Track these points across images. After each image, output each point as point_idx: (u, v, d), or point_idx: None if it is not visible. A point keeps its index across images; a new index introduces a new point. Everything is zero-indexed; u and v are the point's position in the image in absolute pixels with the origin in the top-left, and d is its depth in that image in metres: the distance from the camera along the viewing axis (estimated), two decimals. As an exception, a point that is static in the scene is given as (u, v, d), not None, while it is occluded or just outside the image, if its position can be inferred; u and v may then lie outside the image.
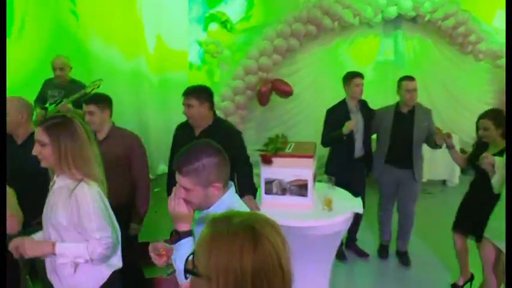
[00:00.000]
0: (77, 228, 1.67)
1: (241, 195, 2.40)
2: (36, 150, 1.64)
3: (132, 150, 2.70)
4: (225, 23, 4.79)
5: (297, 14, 4.71)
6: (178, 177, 1.37)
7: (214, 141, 1.45)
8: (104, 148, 2.70)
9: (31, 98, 4.19)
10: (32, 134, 2.34)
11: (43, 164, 1.68)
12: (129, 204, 2.71)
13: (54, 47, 4.73)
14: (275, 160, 2.29)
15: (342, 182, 2.94)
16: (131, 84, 4.98)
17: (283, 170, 2.29)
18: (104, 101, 2.69)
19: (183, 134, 2.72)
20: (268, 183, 2.32)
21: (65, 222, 1.65)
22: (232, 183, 1.48)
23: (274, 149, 2.32)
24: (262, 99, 4.81)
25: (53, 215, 1.67)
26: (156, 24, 4.92)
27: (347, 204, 2.41)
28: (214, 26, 4.76)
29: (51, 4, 4.73)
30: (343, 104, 3.35)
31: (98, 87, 3.75)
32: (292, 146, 2.48)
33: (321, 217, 2.26)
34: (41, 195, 1.77)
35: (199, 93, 2.56)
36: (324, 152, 3.53)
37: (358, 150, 3.35)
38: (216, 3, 4.86)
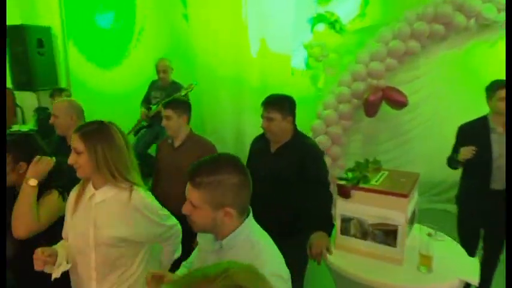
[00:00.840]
0: (141, 238, 1.58)
1: (310, 229, 1.98)
2: (71, 159, 1.51)
3: None
4: (333, 24, 4.31)
5: (421, 11, 3.95)
6: (188, 188, 1.19)
7: (240, 160, 1.23)
8: (178, 155, 2.58)
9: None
10: None
11: (79, 174, 1.54)
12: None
13: (169, 49, 4.94)
14: (355, 194, 1.79)
15: (472, 219, 2.43)
16: (232, 88, 4.89)
17: (364, 207, 1.77)
18: (181, 106, 2.58)
19: (259, 148, 2.41)
20: (345, 221, 1.83)
21: (127, 234, 1.53)
22: (251, 209, 1.27)
23: (357, 179, 1.82)
24: (370, 109, 4.19)
25: (103, 232, 1.53)
26: (260, 27, 4.73)
27: (455, 267, 1.75)
28: (321, 27, 4.33)
29: (167, 8, 4.95)
30: (483, 120, 2.61)
31: (192, 90, 3.75)
32: (383, 176, 1.93)
33: (413, 279, 1.67)
34: None
35: (282, 105, 2.22)
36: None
37: (503, 181, 2.56)
38: (326, 1, 4.41)
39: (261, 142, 2.40)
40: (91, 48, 5.37)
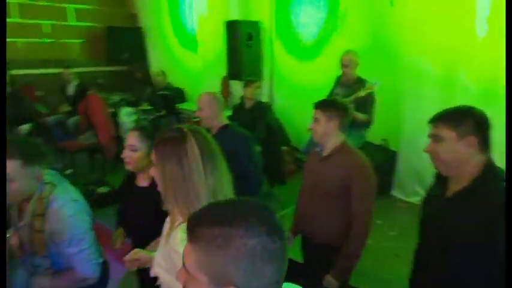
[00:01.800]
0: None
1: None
2: (152, 171, 1.30)
3: (351, 179, 2.01)
4: None
5: None
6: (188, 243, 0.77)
7: (273, 212, 0.76)
8: (322, 167, 2.19)
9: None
10: (224, 126, 2.59)
11: (160, 189, 1.31)
12: (341, 248, 2.07)
13: (372, 39, 4.42)
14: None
15: None
16: (442, 91, 3.91)
17: None
18: (333, 108, 2.12)
19: (434, 189, 1.66)
20: None
21: (165, 276, 1.30)
22: None
23: None
24: None
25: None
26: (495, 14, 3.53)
27: None
28: None
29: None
30: None
31: (373, 90, 3.15)
32: None
33: None
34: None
35: (461, 120, 1.44)
36: None
37: None
38: None
39: (439, 179, 1.62)
40: (294, 42, 5.41)
